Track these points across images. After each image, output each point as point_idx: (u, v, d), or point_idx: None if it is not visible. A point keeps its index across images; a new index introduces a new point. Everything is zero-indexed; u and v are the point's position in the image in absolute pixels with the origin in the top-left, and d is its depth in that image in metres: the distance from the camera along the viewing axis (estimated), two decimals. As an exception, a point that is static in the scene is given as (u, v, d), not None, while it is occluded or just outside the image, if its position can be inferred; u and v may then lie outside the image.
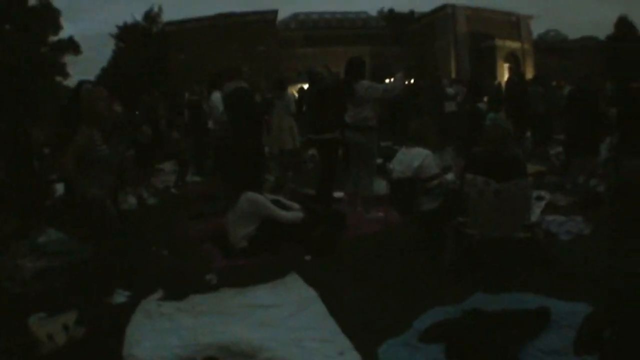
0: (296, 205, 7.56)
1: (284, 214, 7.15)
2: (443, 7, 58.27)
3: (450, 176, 9.00)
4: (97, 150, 5.94)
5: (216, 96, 10.73)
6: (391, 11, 74.79)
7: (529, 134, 15.07)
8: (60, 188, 11.29)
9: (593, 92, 10.67)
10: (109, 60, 58.37)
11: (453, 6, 57.66)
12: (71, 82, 46.48)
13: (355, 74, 8.92)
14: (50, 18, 41.99)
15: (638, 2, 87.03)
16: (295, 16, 67.23)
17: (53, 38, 43.33)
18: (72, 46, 44.97)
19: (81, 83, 8.45)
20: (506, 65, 54.71)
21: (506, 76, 46.18)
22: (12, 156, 10.03)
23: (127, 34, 57.19)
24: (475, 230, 5.75)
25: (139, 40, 55.49)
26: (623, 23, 55.95)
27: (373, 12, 73.11)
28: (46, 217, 8.98)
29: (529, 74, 38.74)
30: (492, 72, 50.10)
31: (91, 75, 53.30)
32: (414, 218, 6.77)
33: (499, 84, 26.22)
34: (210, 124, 10.77)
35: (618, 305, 3.21)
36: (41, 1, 41.28)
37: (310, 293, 5.55)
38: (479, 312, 4.63)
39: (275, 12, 58.49)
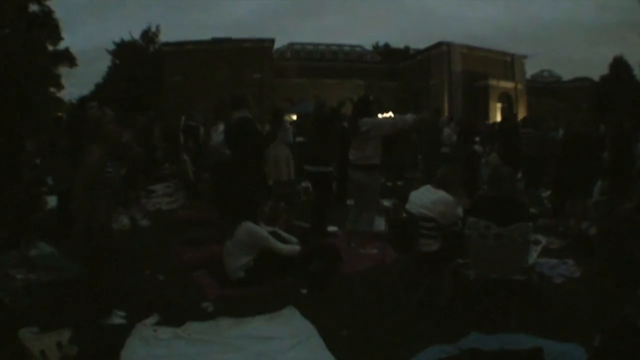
0: (294, 239, 7.55)
1: (282, 246, 7.15)
2: (439, 45, 58.72)
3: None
4: (107, 172, 5.95)
5: (219, 126, 10.78)
6: (386, 46, 75.36)
7: (520, 175, 15.08)
8: (52, 200, 11.27)
9: (586, 135, 10.74)
10: (103, 76, 58.37)
11: (449, 44, 58.15)
12: (64, 94, 46.56)
13: (360, 112, 8.96)
14: (51, 27, 41.75)
15: (632, 41, 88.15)
16: (290, 46, 67.62)
17: (50, 48, 42.99)
18: (68, 58, 44.70)
19: (83, 100, 8.45)
20: (499, 105, 55.02)
21: (498, 116, 46.62)
22: (3, 165, 9.99)
23: (123, 51, 57.16)
24: (474, 272, 5.83)
25: (135, 58, 55.47)
26: (618, 63, 56.22)
27: (368, 46, 73.62)
28: (37, 230, 8.95)
29: (522, 115, 39.03)
30: (485, 112, 50.58)
31: (84, 90, 53.58)
32: (412, 258, 6.76)
33: (493, 124, 26.38)
34: (212, 151, 10.79)
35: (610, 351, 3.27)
36: (42, 8, 41.05)
37: (309, 327, 5.55)
38: (476, 350, 4.69)
39: (272, 41, 58.61)
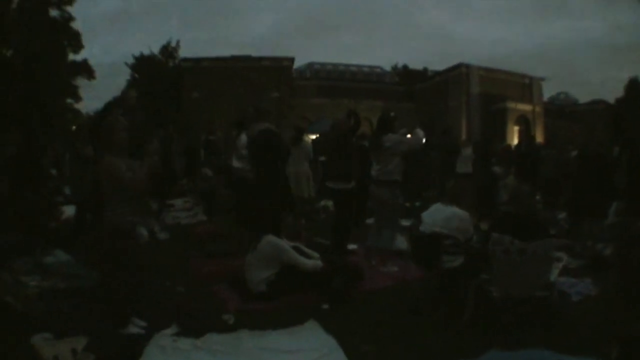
0: (316, 254, 7.53)
1: (304, 261, 7.11)
2: (457, 67, 58.40)
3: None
4: (127, 178, 5.90)
5: (244, 137, 10.68)
6: (405, 67, 75.30)
7: (538, 197, 15.00)
8: (68, 210, 11.26)
9: (600, 155, 10.67)
10: (122, 89, 58.38)
11: (467, 66, 57.84)
12: (82, 106, 46.80)
13: (383, 128, 9.08)
14: (71, 34, 41.80)
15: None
16: (310, 65, 67.51)
17: (71, 56, 43.08)
18: (86, 70, 44.84)
19: (108, 107, 8.41)
20: (516, 128, 54.70)
21: (516, 139, 46.41)
22: (19, 170, 9.99)
23: (142, 65, 57.29)
24: (497, 288, 5.81)
25: (154, 72, 55.57)
26: (633, 85, 55.57)
27: (387, 67, 73.53)
28: (52, 238, 8.93)
29: (539, 138, 38.77)
30: (502, 135, 50.23)
31: (102, 103, 53.76)
32: (435, 274, 6.71)
33: (508, 146, 26.37)
34: (235, 164, 10.68)
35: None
36: (62, 14, 41.16)
37: (331, 342, 5.48)
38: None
39: (291, 60, 58.31)
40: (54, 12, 40.64)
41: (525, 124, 54.86)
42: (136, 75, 57.14)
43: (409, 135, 9.27)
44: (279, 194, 8.51)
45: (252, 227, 7.84)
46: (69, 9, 41.06)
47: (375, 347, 5.43)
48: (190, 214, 13.84)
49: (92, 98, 66.07)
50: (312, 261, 7.23)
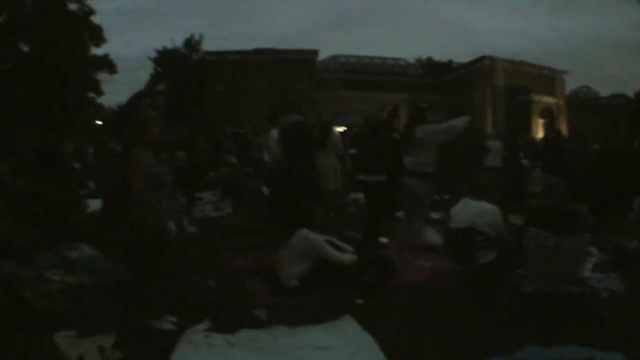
0: (349, 248, 7.39)
1: (339, 255, 6.96)
2: (481, 59, 58.21)
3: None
4: (155, 174, 5.80)
5: (274, 132, 10.51)
6: (429, 60, 75.01)
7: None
8: (95, 203, 11.22)
9: (622, 150, 10.62)
10: (146, 83, 58.47)
11: (491, 58, 57.67)
12: (104, 100, 46.99)
13: (416, 119, 9.02)
14: (93, 27, 41.81)
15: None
16: (334, 58, 67.25)
17: (93, 49, 43.13)
18: (107, 64, 44.88)
19: (137, 97, 8.32)
20: (541, 121, 54.50)
21: (540, 132, 46.22)
22: (40, 166, 9.94)
23: (165, 59, 57.45)
24: (532, 283, 5.75)
25: (178, 66, 55.72)
26: None
27: (411, 59, 73.23)
28: (77, 232, 8.85)
29: (564, 131, 38.57)
30: (527, 127, 49.87)
31: (124, 97, 54.00)
32: (469, 269, 6.59)
33: (533, 138, 26.17)
34: (266, 157, 10.51)
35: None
36: (82, 7, 41.20)
37: (366, 337, 5.38)
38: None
39: (315, 52, 58.38)
40: (73, 6, 40.73)
41: (550, 116, 54.60)
42: (159, 69, 57.32)
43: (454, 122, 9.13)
44: (312, 187, 8.42)
45: (285, 221, 7.70)
46: (89, 2, 41.21)
47: (411, 343, 5.32)
48: (218, 207, 13.76)
49: (114, 92, 66.28)
50: (347, 255, 7.09)
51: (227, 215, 12.98)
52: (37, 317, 5.65)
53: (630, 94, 57.97)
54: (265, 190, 12.86)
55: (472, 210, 6.50)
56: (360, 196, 11.60)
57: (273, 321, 5.87)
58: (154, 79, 56.88)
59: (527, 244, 5.73)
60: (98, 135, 11.91)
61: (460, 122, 8.97)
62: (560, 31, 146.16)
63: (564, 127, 49.35)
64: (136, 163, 5.75)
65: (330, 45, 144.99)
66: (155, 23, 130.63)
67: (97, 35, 42.50)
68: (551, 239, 5.56)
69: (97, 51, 43.65)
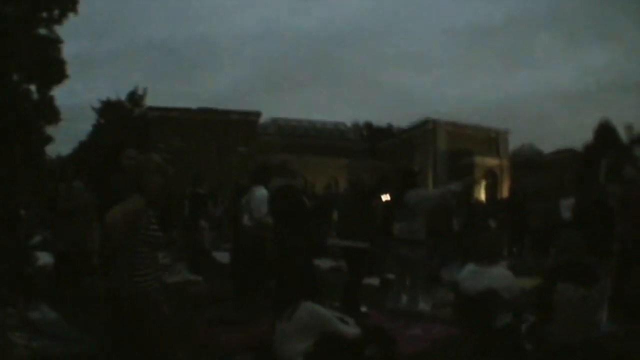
0: (351, 319, 6.80)
1: (347, 329, 6.38)
2: (425, 123, 59.52)
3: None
4: (150, 229, 4.93)
5: (261, 192, 9.64)
6: (368, 125, 76.08)
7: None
8: (43, 257, 10.59)
9: (601, 201, 10.99)
10: (88, 134, 57.76)
11: (435, 121, 59.26)
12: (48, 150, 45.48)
13: (406, 185, 8.81)
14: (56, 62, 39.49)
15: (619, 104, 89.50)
16: (274, 121, 67.67)
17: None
18: (51, 110, 43.37)
19: (119, 146, 7.81)
20: (483, 183, 55.35)
21: (483, 194, 47.88)
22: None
23: (108, 111, 56.80)
24: (560, 338, 5.79)
25: (120, 119, 55.05)
26: (604, 129, 54.75)
27: (349, 123, 74.66)
28: (34, 289, 8.19)
29: (505, 191, 39.18)
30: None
31: (69, 147, 53.77)
32: (484, 334, 6.39)
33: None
34: (246, 221, 9.59)
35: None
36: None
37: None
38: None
39: (258, 114, 58.86)
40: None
41: (492, 178, 56.15)
42: (102, 121, 56.67)
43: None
44: (310, 254, 7.85)
45: (287, 293, 7.05)
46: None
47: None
48: (172, 272, 12.52)
49: (57, 142, 64.87)
50: (354, 329, 6.50)
51: (187, 281, 11.96)
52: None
53: (578, 146, 59.21)
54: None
55: (487, 278, 6.38)
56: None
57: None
58: (97, 131, 56.08)
59: (557, 299, 5.77)
60: (52, 187, 11.07)
61: (456, 186, 8.88)
62: (504, 90, 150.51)
63: (506, 188, 50.59)
64: (129, 207, 4.80)
65: (269, 108, 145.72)
66: (96, 73, 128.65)
67: (59, 71, 40.51)
68: (579, 291, 5.68)
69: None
